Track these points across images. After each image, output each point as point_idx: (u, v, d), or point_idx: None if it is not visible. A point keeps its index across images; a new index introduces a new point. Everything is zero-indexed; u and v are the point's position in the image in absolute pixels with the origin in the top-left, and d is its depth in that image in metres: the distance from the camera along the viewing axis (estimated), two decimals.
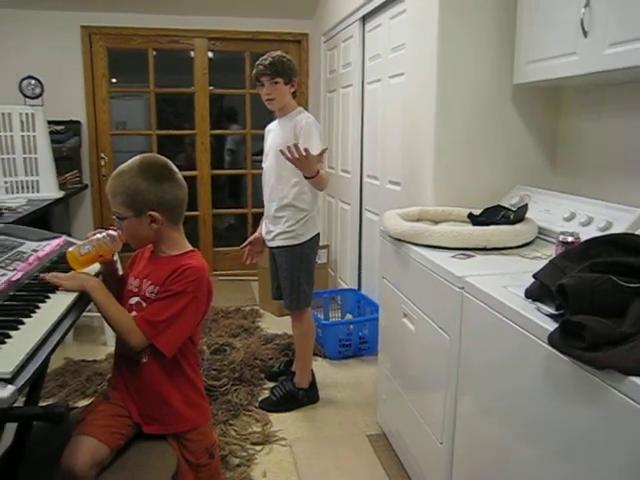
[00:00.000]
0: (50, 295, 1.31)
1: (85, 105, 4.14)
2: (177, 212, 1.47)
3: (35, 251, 1.58)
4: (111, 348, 3.01)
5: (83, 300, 1.35)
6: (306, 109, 2.58)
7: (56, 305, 1.27)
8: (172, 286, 1.39)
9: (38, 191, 3.30)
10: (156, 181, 1.41)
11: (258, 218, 2.70)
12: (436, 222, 2.11)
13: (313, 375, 2.60)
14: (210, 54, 4.44)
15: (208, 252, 4.58)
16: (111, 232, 1.46)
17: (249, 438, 2.26)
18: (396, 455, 2.11)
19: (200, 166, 4.52)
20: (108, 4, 3.96)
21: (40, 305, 1.24)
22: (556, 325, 1.07)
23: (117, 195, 1.41)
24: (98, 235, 1.45)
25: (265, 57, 2.39)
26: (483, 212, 2.02)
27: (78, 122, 4.10)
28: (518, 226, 1.83)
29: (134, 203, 1.40)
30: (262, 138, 2.65)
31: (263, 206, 2.56)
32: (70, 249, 1.45)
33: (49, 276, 1.38)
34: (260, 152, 2.65)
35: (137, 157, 1.46)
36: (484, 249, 1.75)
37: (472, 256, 1.69)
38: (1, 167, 3.23)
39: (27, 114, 3.27)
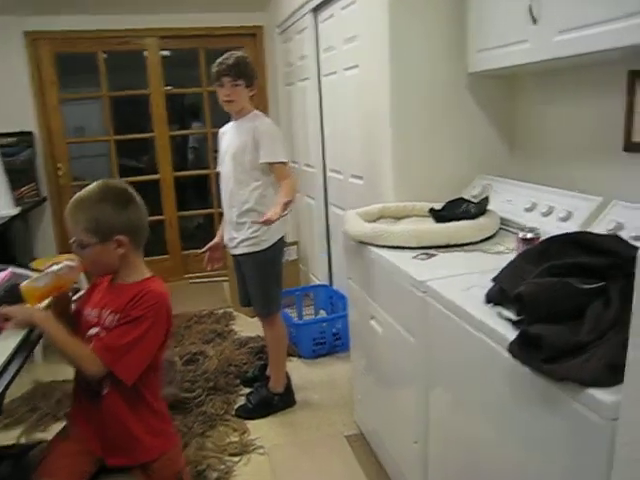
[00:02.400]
0: None
1: (35, 114, 3.98)
2: (141, 235, 1.44)
3: None
4: None
5: (32, 338, 1.30)
6: (265, 103, 2.52)
7: (4, 346, 1.21)
8: (132, 311, 1.35)
9: None
10: (119, 205, 1.38)
11: None
12: (398, 218, 2.08)
13: (288, 378, 2.57)
14: (164, 52, 4.31)
15: (177, 256, 4.50)
16: (68, 263, 1.41)
17: (227, 449, 2.23)
18: (374, 455, 2.10)
19: (162, 169, 4.41)
20: (51, 7, 3.79)
21: None
22: (516, 332, 1.06)
23: (79, 223, 1.36)
24: (54, 267, 1.40)
25: (227, 56, 2.29)
26: (445, 206, 2.00)
27: (30, 133, 3.93)
28: (481, 220, 1.81)
29: (99, 228, 1.36)
30: None
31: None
32: (24, 283, 1.39)
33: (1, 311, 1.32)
34: None
35: (95, 184, 1.42)
36: (446, 246, 1.73)
37: (434, 255, 1.67)
38: None
39: None
